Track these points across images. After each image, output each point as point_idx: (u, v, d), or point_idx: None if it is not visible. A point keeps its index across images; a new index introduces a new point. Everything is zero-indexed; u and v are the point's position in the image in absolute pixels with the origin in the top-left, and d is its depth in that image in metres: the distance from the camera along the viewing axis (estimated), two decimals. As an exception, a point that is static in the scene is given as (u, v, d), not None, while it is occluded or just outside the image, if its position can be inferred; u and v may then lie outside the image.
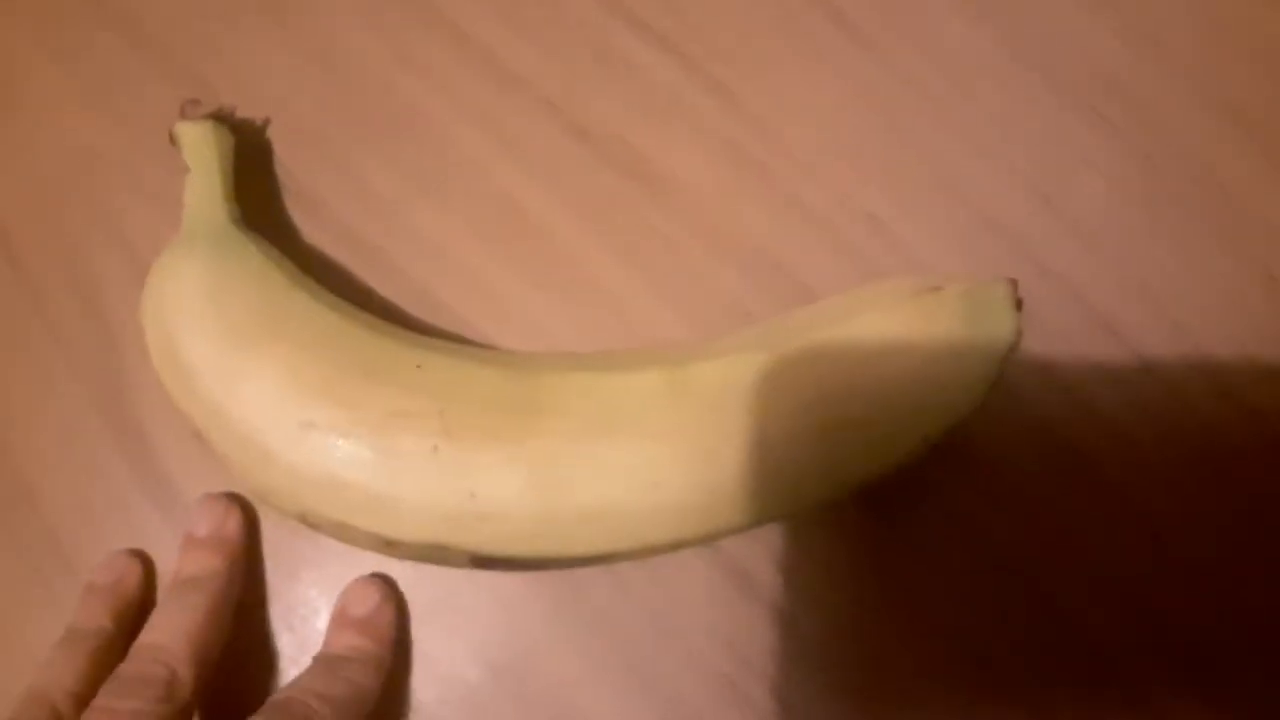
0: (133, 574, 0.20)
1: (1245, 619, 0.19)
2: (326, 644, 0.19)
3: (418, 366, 0.18)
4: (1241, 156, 0.22)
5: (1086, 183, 0.22)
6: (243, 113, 0.23)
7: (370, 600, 0.19)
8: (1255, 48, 0.22)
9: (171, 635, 0.18)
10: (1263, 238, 0.21)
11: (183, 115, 0.22)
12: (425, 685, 0.20)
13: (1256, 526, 0.20)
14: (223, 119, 0.22)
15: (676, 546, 0.18)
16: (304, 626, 0.20)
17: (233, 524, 0.20)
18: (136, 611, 0.20)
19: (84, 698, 0.17)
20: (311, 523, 0.18)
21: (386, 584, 0.20)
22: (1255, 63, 0.22)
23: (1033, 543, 0.20)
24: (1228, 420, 0.20)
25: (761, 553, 0.20)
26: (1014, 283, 0.19)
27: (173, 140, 0.21)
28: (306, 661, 0.20)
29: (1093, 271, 0.21)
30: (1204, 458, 0.20)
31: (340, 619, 0.19)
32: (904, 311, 0.18)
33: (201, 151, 0.21)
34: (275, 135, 0.23)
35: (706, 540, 0.18)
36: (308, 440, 0.17)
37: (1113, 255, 0.21)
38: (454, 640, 0.20)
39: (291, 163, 0.23)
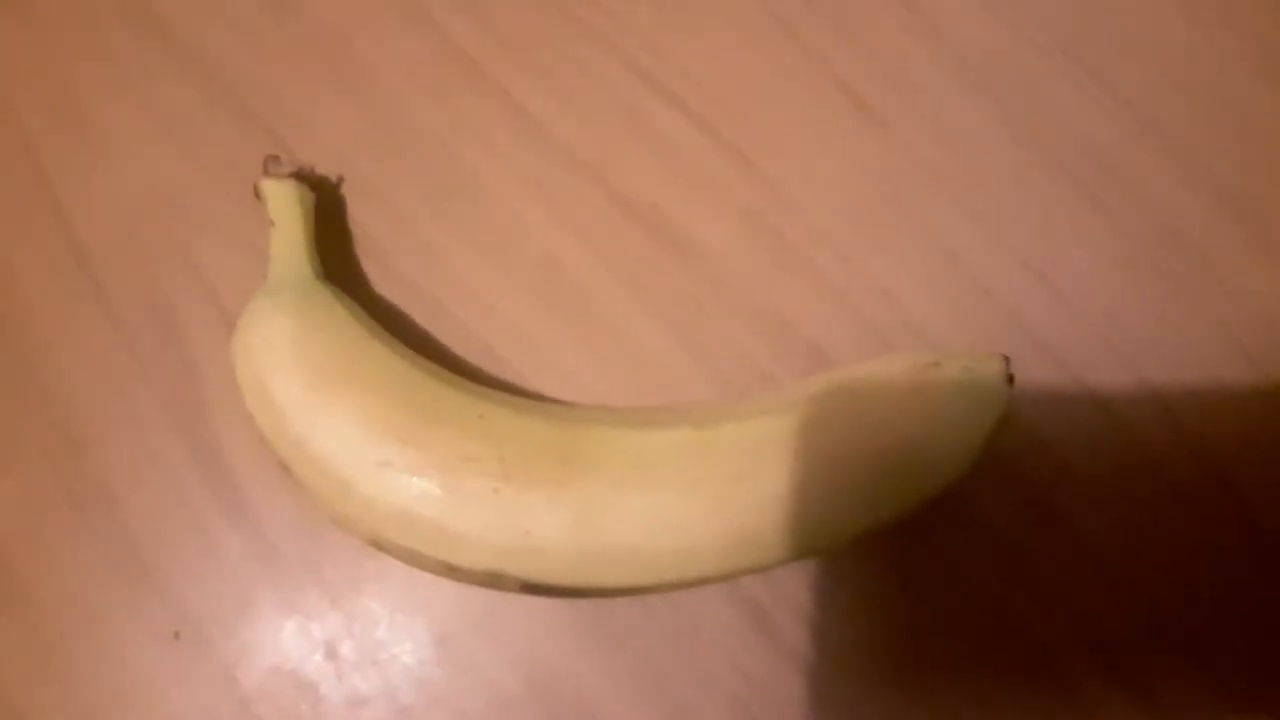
0: None
1: (1208, 664, 0.22)
2: None
3: (480, 416, 0.20)
4: (1222, 233, 0.24)
5: (1077, 258, 0.24)
6: (316, 170, 0.25)
7: None
8: (1243, 131, 0.24)
9: None
10: (1238, 312, 0.23)
11: (266, 172, 0.24)
12: (473, 693, 0.22)
13: (1221, 579, 0.22)
14: (302, 176, 0.24)
15: (697, 583, 0.20)
16: (364, 635, 0.23)
17: None
18: None
19: None
20: (383, 547, 0.20)
21: None
22: (1242, 145, 0.24)
23: (1017, 593, 0.22)
24: (1198, 481, 0.23)
25: (775, 589, 0.22)
26: (1006, 359, 0.22)
27: (258, 195, 0.24)
28: (366, 667, 0.23)
29: (1080, 343, 0.23)
30: (1172, 515, 0.22)
31: None
32: (907, 385, 0.20)
33: (286, 208, 0.23)
34: (344, 191, 0.26)
35: (724, 579, 0.20)
36: (384, 477, 0.19)
37: (1099, 328, 0.24)
38: (499, 654, 0.22)
39: (360, 217, 0.26)
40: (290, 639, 0.23)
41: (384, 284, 0.25)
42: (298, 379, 0.20)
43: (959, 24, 0.26)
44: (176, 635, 0.23)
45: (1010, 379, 0.21)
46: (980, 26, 0.26)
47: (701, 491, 0.19)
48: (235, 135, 0.26)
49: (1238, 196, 0.24)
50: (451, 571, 0.20)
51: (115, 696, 0.23)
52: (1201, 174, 0.24)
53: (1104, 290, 0.24)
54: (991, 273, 0.24)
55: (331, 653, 0.23)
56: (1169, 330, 0.24)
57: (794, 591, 0.22)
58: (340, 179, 0.26)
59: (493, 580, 0.20)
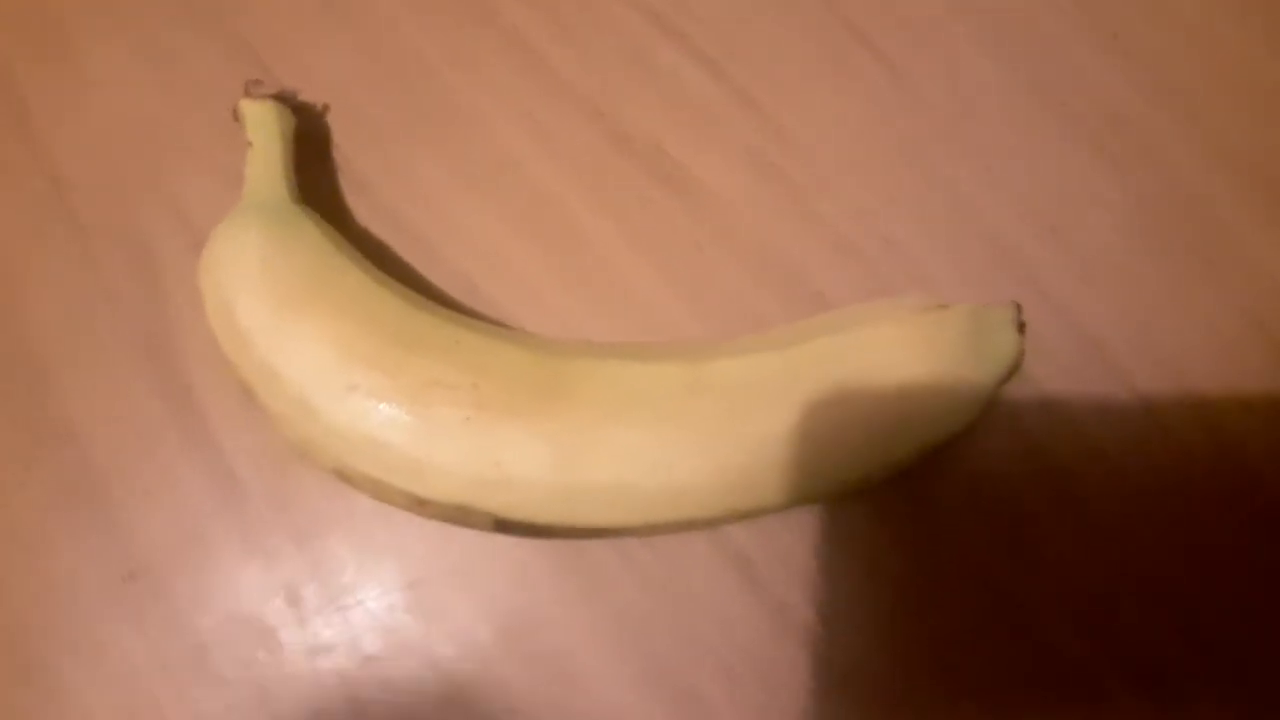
0: None
1: (1207, 644, 0.20)
2: None
3: (456, 342, 0.19)
4: (1237, 202, 0.23)
5: (1091, 218, 0.23)
6: (301, 98, 0.24)
7: None
8: (1257, 98, 0.23)
9: None
10: (1251, 282, 0.22)
11: (247, 93, 0.23)
12: (442, 642, 0.21)
13: (1226, 557, 0.21)
14: (285, 100, 0.23)
15: (682, 527, 0.19)
16: (330, 580, 0.22)
17: None
18: None
19: None
20: (348, 477, 0.19)
21: None
22: (1256, 112, 0.23)
23: (1014, 558, 0.21)
24: (1208, 452, 0.21)
25: (762, 540, 0.21)
26: (1017, 306, 0.20)
27: (236, 116, 0.23)
28: (329, 613, 0.21)
29: (1092, 303, 0.22)
30: (1182, 487, 0.21)
31: None
32: (913, 325, 0.19)
33: (264, 129, 0.22)
34: (331, 121, 0.25)
35: (711, 524, 0.19)
36: (350, 402, 0.18)
37: (1111, 289, 0.22)
38: (470, 601, 0.21)
39: (346, 148, 0.24)
40: (251, 582, 0.22)
41: (368, 217, 0.24)
42: (264, 298, 0.19)
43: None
44: (129, 575, 0.22)
45: (1021, 326, 0.20)
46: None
47: (690, 428, 0.18)
48: (219, 60, 0.25)
49: (1259, 172, 0.23)
50: (420, 505, 0.19)
51: (60, 638, 0.22)
52: (1221, 145, 0.23)
53: (1116, 251, 0.23)
54: (1004, 228, 0.23)
55: (293, 597, 0.22)
56: (1185, 301, 0.22)
57: (785, 543, 0.21)
58: (326, 107, 0.25)
59: (463, 516, 0.18)
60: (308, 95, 0.24)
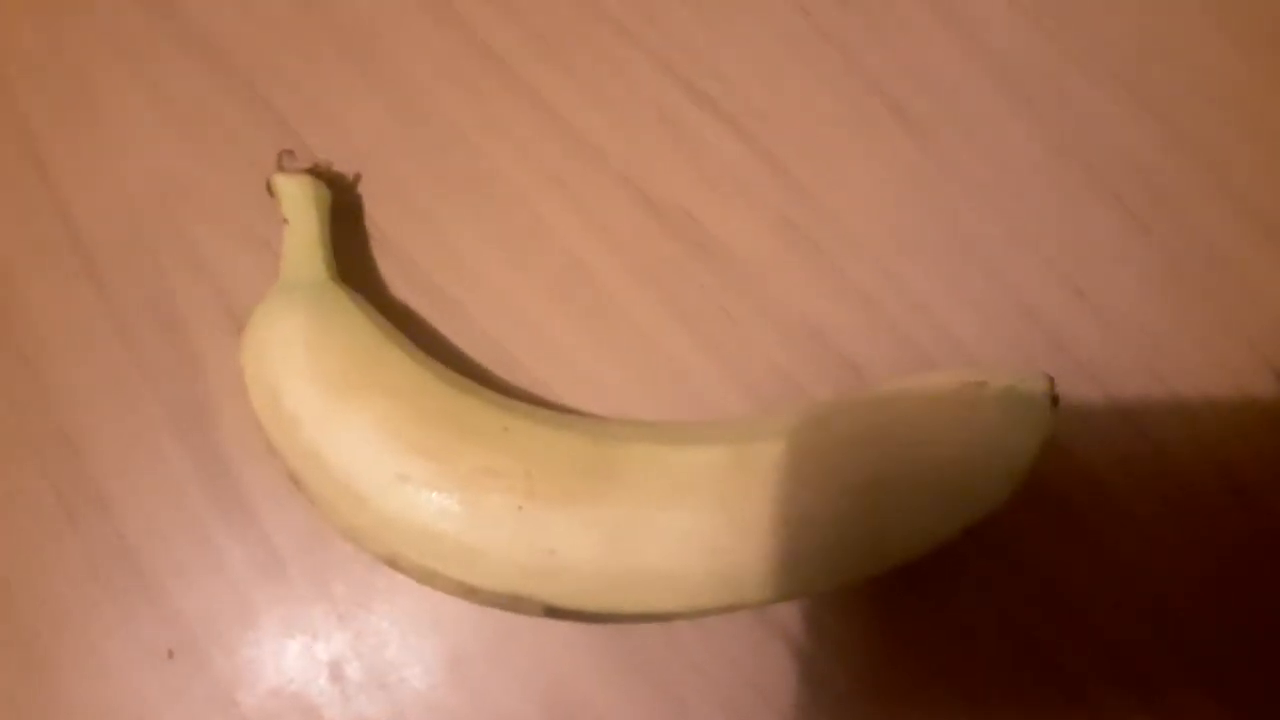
0: None
1: (1236, 696, 0.21)
2: None
3: (505, 429, 0.19)
4: (1261, 258, 0.23)
5: (1117, 277, 0.23)
6: (334, 168, 0.24)
7: None
8: None
9: None
10: (1275, 337, 0.23)
11: (280, 167, 0.23)
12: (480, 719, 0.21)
13: (1245, 604, 0.21)
14: (319, 173, 0.23)
15: (730, 609, 0.19)
16: (372, 655, 0.22)
17: None
18: None
19: None
20: (398, 566, 0.19)
21: None
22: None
23: (1052, 621, 0.21)
24: (1229, 507, 0.22)
25: (804, 615, 0.21)
26: (1051, 380, 0.21)
27: (270, 191, 0.23)
28: (373, 689, 0.21)
29: (1117, 362, 0.23)
30: (1207, 541, 0.22)
31: None
32: (950, 404, 0.19)
33: (300, 205, 0.22)
34: (363, 189, 0.25)
35: (758, 606, 0.19)
36: (402, 491, 0.18)
37: (1138, 348, 0.23)
38: (514, 679, 0.21)
39: (378, 216, 0.24)
40: (293, 659, 0.22)
41: (402, 287, 0.24)
42: (311, 384, 0.19)
43: (1001, 35, 0.25)
44: (170, 654, 0.22)
45: (1055, 400, 0.20)
46: (1023, 38, 0.25)
47: (738, 513, 0.18)
48: (249, 127, 0.25)
49: (1273, 218, 0.23)
50: (471, 593, 0.19)
51: (102, 716, 0.22)
52: (1248, 203, 0.24)
53: (1141, 309, 0.23)
54: (1031, 289, 0.23)
55: (337, 674, 0.22)
56: (1208, 354, 0.23)
57: (828, 621, 0.21)
58: (358, 177, 0.25)
59: (514, 603, 0.19)
60: (339, 162, 0.25)
